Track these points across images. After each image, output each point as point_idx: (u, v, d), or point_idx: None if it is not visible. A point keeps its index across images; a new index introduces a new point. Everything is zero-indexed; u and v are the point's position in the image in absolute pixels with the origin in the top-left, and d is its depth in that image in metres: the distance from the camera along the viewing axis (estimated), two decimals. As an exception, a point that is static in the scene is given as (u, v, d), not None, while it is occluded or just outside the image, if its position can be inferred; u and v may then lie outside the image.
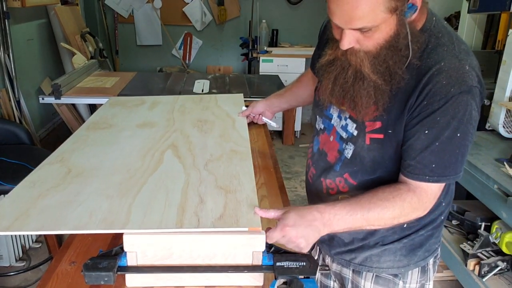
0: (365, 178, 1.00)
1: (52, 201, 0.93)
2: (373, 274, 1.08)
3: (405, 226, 1.02)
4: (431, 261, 1.10)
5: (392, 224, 0.92)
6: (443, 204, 1.04)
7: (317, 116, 1.11)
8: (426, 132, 0.86)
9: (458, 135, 0.85)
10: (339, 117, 1.02)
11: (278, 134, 4.64)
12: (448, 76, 0.83)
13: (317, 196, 1.11)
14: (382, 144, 0.94)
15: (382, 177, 0.98)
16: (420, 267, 1.08)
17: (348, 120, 0.99)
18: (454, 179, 0.90)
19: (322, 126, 1.09)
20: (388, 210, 0.89)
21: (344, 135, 1.01)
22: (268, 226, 0.89)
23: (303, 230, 0.85)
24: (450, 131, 0.84)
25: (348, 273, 1.13)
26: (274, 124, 1.62)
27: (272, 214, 0.90)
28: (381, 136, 0.93)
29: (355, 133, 0.98)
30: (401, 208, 0.89)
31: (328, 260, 1.17)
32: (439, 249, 1.12)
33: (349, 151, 1.00)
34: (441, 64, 0.84)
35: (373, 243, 1.06)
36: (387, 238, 1.04)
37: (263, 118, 1.57)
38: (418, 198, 0.90)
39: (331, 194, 1.07)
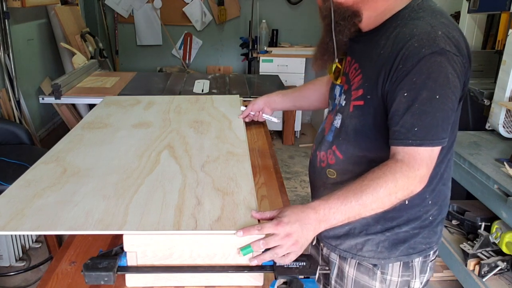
0: (350, 151, 1.04)
1: (48, 201, 0.93)
2: (356, 261, 1.11)
3: (388, 215, 1.02)
4: (417, 259, 1.09)
5: (392, 202, 0.89)
6: (430, 202, 1.04)
7: (329, 100, 1.18)
8: (405, 94, 0.88)
9: (437, 97, 0.87)
10: (340, 95, 1.09)
11: (278, 134, 4.64)
12: (420, 39, 0.88)
13: (312, 170, 1.19)
14: (362, 111, 0.99)
15: (367, 155, 1.01)
16: (402, 262, 1.08)
17: (343, 95, 1.07)
18: (438, 144, 0.89)
19: (331, 108, 1.16)
20: (381, 187, 0.87)
21: (338, 108, 1.09)
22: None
23: (296, 230, 0.84)
24: (427, 92, 0.87)
25: (335, 258, 1.15)
26: (275, 120, 1.61)
27: (268, 214, 0.89)
28: (361, 103, 0.99)
29: (344, 103, 1.06)
30: (393, 181, 0.87)
31: (321, 244, 1.20)
32: (431, 252, 1.10)
33: (338, 121, 1.08)
34: (414, 31, 0.89)
35: (358, 232, 1.07)
36: (370, 228, 1.05)
37: (263, 114, 1.57)
38: (407, 166, 0.88)
39: (322, 167, 1.12)
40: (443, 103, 0.87)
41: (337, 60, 1.08)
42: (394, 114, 0.91)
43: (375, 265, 1.09)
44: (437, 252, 1.14)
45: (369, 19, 0.99)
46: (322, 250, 1.21)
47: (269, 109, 1.56)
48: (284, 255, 0.85)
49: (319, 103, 1.40)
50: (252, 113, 1.56)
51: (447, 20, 0.93)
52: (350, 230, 1.08)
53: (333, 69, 1.10)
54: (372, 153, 1.00)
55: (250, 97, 2.47)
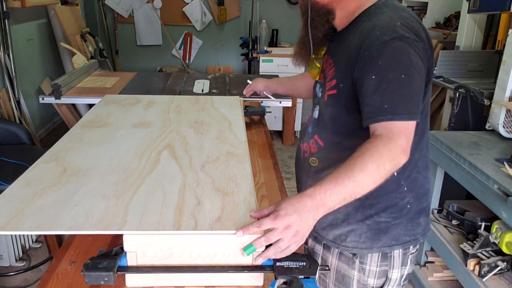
0: (328, 138, 1.12)
1: (47, 201, 0.92)
2: (338, 251, 1.16)
3: (366, 202, 1.06)
4: (398, 251, 1.13)
5: (381, 175, 0.90)
6: (405, 188, 1.09)
7: (313, 98, 1.26)
8: (373, 77, 0.95)
9: (403, 76, 0.93)
10: (319, 89, 1.19)
11: (278, 134, 4.64)
12: (381, 28, 0.97)
13: (297, 163, 1.29)
14: (335, 99, 1.08)
15: (342, 141, 1.08)
16: (381, 253, 1.12)
17: (320, 88, 1.17)
18: (409, 118, 0.93)
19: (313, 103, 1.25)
20: (368, 161, 0.89)
21: (315, 100, 1.20)
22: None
23: (295, 221, 0.84)
24: (393, 73, 0.93)
25: (319, 249, 1.21)
26: (274, 99, 1.85)
27: (265, 211, 0.89)
28: (334, 91, 1.08)
29: (320, 95, 1.16)
30: (377, 152, 0.89)
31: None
32: (411, 246, 1.14)
33: (316, 112, 1.17)
34: (376, 23, 0.99)
35: (340, 221, 1.12)
36: (351, 217, 1.10)
37: (264, 92, 1.79)
38: (387, 138, 0.91)
39: (305, 157, 1.20)
40: (409, 81, 0.93)
41: (318, 63, 1.18)
42: (364, 97, 0.97)
43: (354, 255, 1.14)
44: (417, 246, 1.18)
45: (342, 18, 1.09)
46: (306, 243, 1.24)
47: (268, 92, 1.78)
48: (285, 248, 0.85)
49: (308, 94, 1.47)
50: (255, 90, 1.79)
51: (407, 14, 1.01)
52: (333, 220, 1.12)
53: (316, 71, 1.19)
54: (347, 139, 1.07)
55: (250, 97, 2.47)
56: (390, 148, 0.90)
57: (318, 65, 1.18)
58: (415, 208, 1.12)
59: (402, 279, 1.17)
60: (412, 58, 0.94)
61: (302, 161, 1.23)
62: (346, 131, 1.08)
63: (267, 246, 0.85)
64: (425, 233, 1.16)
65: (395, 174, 0.99)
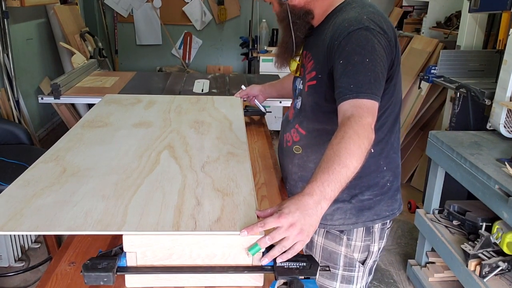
0: (310, 126, 1.22)
1: (46, 201, 0.92)
2: (324, 230, 1.26)
3: (351, 183, 1.06)
4: (378, 225, 1.25)
5: (363, 154, 0.94)
6: (384, 168, 1.21)
7: (293, 92, 1.36)
8: (341, 62, 1.05)
9: (367, 60, 1.02)
10: (299, 82, 1.29)
11: (278, 134, 4.63)
12: (349, 21, 1.08)
13: (281, 152, 1.37)
14: (315, 89, 1.18)
15: (325, 127, 1.17)
16: (365, 227, 1.23)
17: (300, 81, 1.27)
18: (372, 97, 1.01)
19: (293, 97, 1.34)
20: (350, 143, 0.92)
21: (297, 93, 1.29)
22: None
23: (299, 219, 0.84)
24: (358, 57, 1.03)
25: None
26: (263, 109, 1.85)
27: (269, 211, 0.89)
28: (314, 82, 1.17)
29: (301, 86, 1.25)
30: (355, 133, 0.94)
31: None
32: (388, 220, 1.26)
33: (298, 103, 1.27)
34: (345, 17, 1.10)
35: None
36: (338, 197, 1.09)
37: (256, 101, 1.80)
38: (358, 117, 0.97)
39: (288, 146, 1.29)
40: (373, 65, 1.02)
41: (297, 59, 1.27)
42: (335, 80, 1.06)
43: (341, 232, 1.24)
44: (392, 222, 1.30)
45: (318, 15, 1.19)
46: None
47: (262, 97, 1.79)
48: (291, 247, 0.84)
49: None
50: (249, 95, 1.80)
51: (374, 10, 1.12)
52: None
53: (295, 66, 1.28)
54: (329, 125, 1.15)
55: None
56: (363, 126, 0.96)
57: (298, 61, 1.28)
58: (394, 186, 1.25)
59: (379, 252, 1.30)
60: (375, 46, 1.04)
61: (285, 150, 1.31)
62: (327, 118, 1.16)
63: (271, 247, 0.85)
64: (400, 207, 1.29)
65: (372, 150, 1.10)
